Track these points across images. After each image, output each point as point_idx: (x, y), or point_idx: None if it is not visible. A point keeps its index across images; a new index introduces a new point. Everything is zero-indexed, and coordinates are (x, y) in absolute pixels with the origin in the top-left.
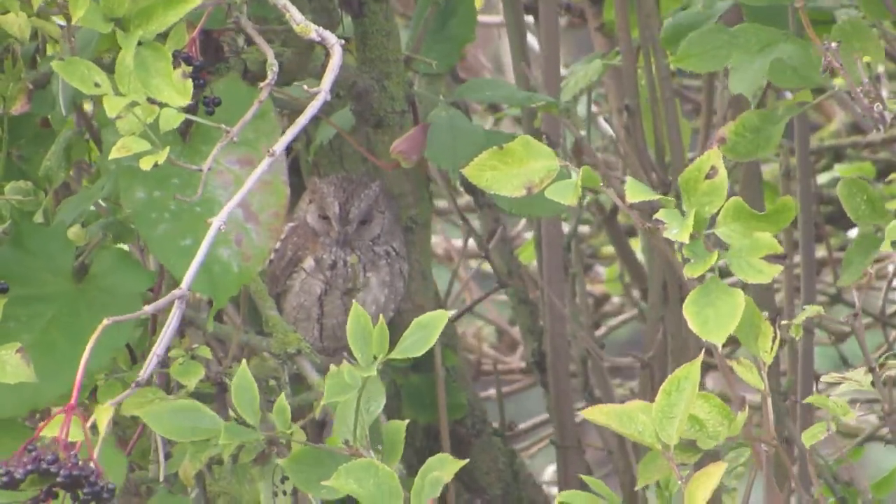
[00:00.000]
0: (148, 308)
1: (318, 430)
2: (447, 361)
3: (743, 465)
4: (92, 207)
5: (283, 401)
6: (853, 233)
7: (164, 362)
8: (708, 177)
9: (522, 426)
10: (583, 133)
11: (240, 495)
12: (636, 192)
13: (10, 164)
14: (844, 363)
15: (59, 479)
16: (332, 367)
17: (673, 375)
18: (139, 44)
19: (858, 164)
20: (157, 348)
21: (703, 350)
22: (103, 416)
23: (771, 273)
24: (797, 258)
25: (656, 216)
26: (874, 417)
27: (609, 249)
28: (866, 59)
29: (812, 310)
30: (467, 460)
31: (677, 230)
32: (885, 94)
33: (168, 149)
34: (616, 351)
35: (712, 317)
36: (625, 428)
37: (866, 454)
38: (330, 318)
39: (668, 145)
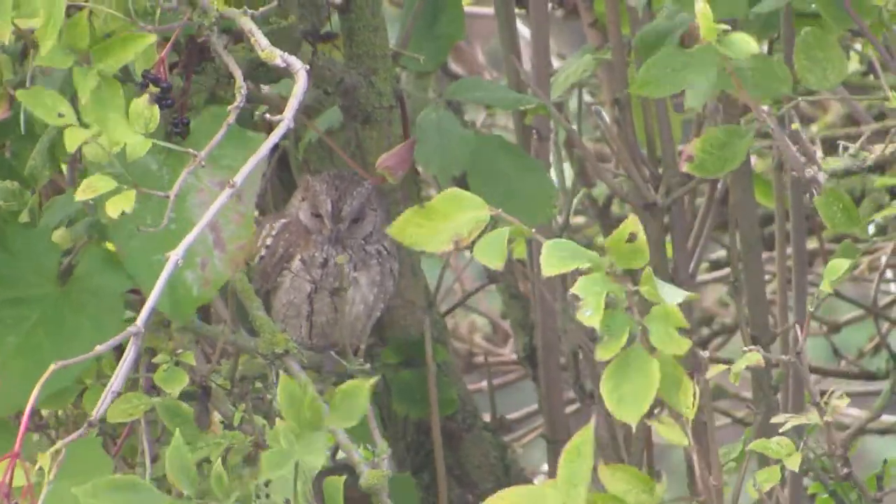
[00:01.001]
0: (100, 347)
1: None
2: (438, 357)
3: (735, 461)
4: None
5: (218, 467)
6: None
7: (150, 367)
8: (629, 240)
9: (513, 416)
10: (573, 126)
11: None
12: (551, 263)
13: (1, 159)
14: (836, 353)
15: None
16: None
17: (570, 444)
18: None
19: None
20: (113, 384)
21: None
22: (50, 462)
23: (683, 346)
24: (789, 250)
25: (574, 290)
26: (860, 411)
27: (602, 241)
28: (794, 126)
29: (750, 357)
30: (375, 378)
31: (591, 312)
32: (819, 155)
33: (133, 193)
34: None
35: (628, 394)
36: None
37: (864, 447)
38: (319, 315)
39: (658, 139)
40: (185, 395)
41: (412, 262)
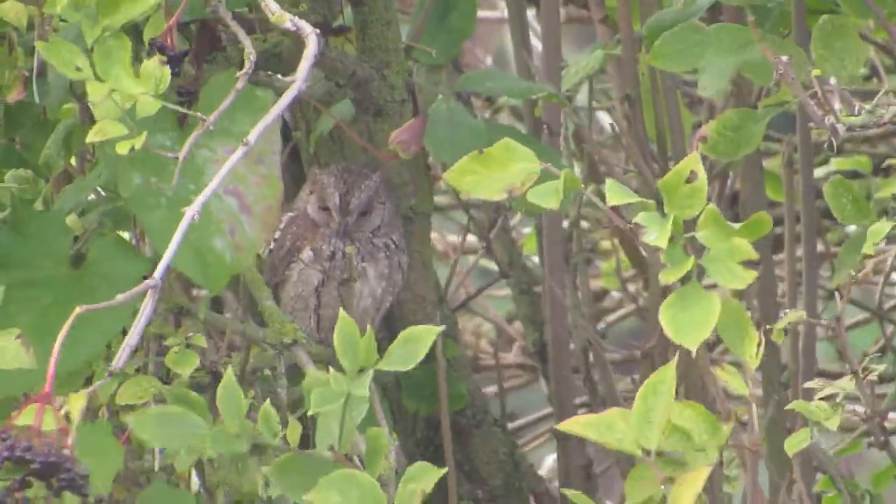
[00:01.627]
0: (120, 297)
1: (314, 422)
2: (448, 352)
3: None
4: (91, 196)
5: (268, 408)
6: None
7: (161, 351)
8: (688, 181)
9: (522, 420)
10: (584, 122)
11: (239, 485)
12: (615, 195)
13: (11, 152)
14: (841, 357)
15: (34, 467)
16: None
17: (649, 380)
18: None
19: (856, 158)
20: (130, 338)
21: (681, 352)
22: (76, 404)
23: (747, 279)
24: (799, 251)
25: (636, 220)
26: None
27: (608, 244)
28: (816, 72)
29: (794, 315)
30: (445, 470)
31: (656, 234)
32: (837, 106)
33: (144, 134)
34: (616, 342)
35: (686, 321)
36: (603, 437)
37: (868, 448)
38: (327, 308)
39: (669, 136)
40: (194, 386)
41: (423, 257)
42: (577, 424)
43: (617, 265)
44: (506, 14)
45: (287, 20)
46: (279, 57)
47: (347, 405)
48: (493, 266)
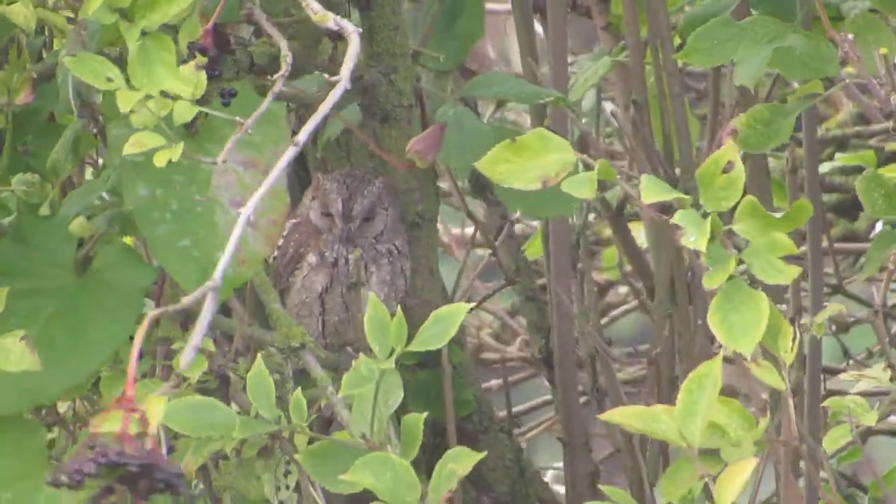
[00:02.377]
0: (186, 300)
1: (325, 426)
2: (454, 358)
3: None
4: (97, 201)
5: (299, 395)
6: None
7: (168, 355)
8: (724, 171)
9: (521, 407)
10: (590, 128)
11: (246, 490)
12: (652, 191)
13: (16, 158)
14: (846, 354)
15: (130, 470)
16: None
17: (695, 373)
18: (143, 34)
19: (861, 154)
20: (194, 339)
21: (719, 346)
22: (155, 407)
23: (791, 274)
24: (803, 248)
25: (674, 220)
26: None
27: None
28: (883, 51)
29: (834, 308)
30: (485, 453)
31: (695, 237)
32: None
33: (182, 144)
34: (624, 344)
35: (738, 324)
36: (648, 427)
37: (875, 448)
38: (332, 314)
39: (676, 141)
40: (202, 390)
41: (429, 262)
42: (623, 415)
43: (619, 259)
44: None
45: (330, 19)
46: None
47: (380, 389)
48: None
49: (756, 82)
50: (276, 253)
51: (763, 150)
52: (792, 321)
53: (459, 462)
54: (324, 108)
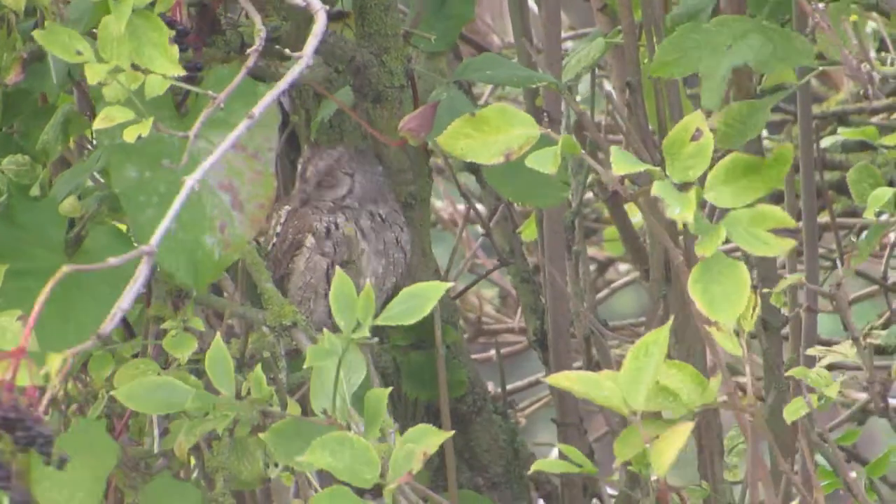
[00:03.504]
0: (112, 260)
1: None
2: (448, 338)
3: (744, 443)
4: (89, 182)
5: (258, 372)
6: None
7: (159, 335)
8: (693, 139)
9: (519, 383)
10: (585, 109)
11: (238, 471)
12: (622, 163)
13: (8, 139)
14: (845, 329)
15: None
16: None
17: (642, 340)
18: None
19: (863, 129)
20: (121, 302)
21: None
22: (55, 362)
23: (780, 246)
24: (799, 224)
25: (653, 192)
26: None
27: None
28: (853, 18)
29: (793, 277)
30: (451, 433)
31: (679, 209)
32: (872, 54)
33: (152, 119)
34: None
35: (719, 294)
36: (591, 393)
37: (873, 431)
38: None
39: (670, 123)
40: (193, 373)
41: (422, 243)
42: (568, 379)
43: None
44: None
45: None
46: (277, 41)
47: (343, 365)
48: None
49: (719, 103)
50: (274, 240)
51: (739, 145)
52: (754, 288)
53: (420, 442)
54: (283, 83)
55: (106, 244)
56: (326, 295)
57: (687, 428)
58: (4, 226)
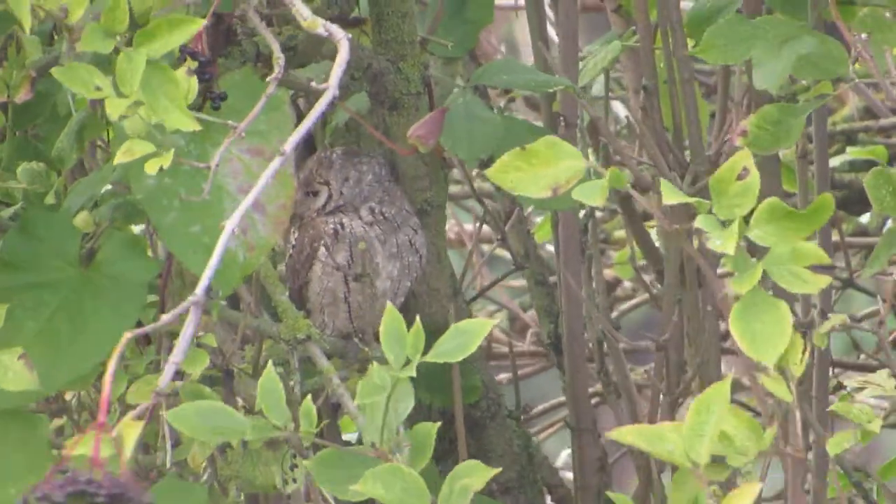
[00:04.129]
0: (165, 317)
1: (333, 410)
2: None
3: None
4: (104, 190)
5: (308, 403)
6: (866, 218)
7: (169, 349)
8: (739, 178)
9: (538, 408)
10: (600, 114)
11: (252, 477)
12: (671, 194)
13: (26, 143)
14: (856, 348)
15: (99, 500)
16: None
17: (703, 394)
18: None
19: (872, 148)
20: (175, 356)
21: (733, 370)
22: (130, 432)
23: (818, 284)
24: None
25: (696, 225)
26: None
27: (621, 234)
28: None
29: (837, 319)
30: (499, 469)
31: (721, 241)
32: None
33: (173, 152)
34: (631, 333)
35: (761, 333)
36: (654, 448)
37: (883, 439)
38: (356, 295)
39: (686, 127)
40: (207, 382)
41: (437, 249)
42: (629, 434)
43: (632, 253)
44: (515, 1)
45: (320, 25)
46: (294, 50)
47: (392, 398)
48: (509, 255)
49: (779, 86)
50: (291, 251)
51: (772, 150)
52: (803, 334)
53: (473, 476)
54: (312, 116)
55: (119, 255)
56: (346, 299)
57: (755, 489)
58: (21, 238)
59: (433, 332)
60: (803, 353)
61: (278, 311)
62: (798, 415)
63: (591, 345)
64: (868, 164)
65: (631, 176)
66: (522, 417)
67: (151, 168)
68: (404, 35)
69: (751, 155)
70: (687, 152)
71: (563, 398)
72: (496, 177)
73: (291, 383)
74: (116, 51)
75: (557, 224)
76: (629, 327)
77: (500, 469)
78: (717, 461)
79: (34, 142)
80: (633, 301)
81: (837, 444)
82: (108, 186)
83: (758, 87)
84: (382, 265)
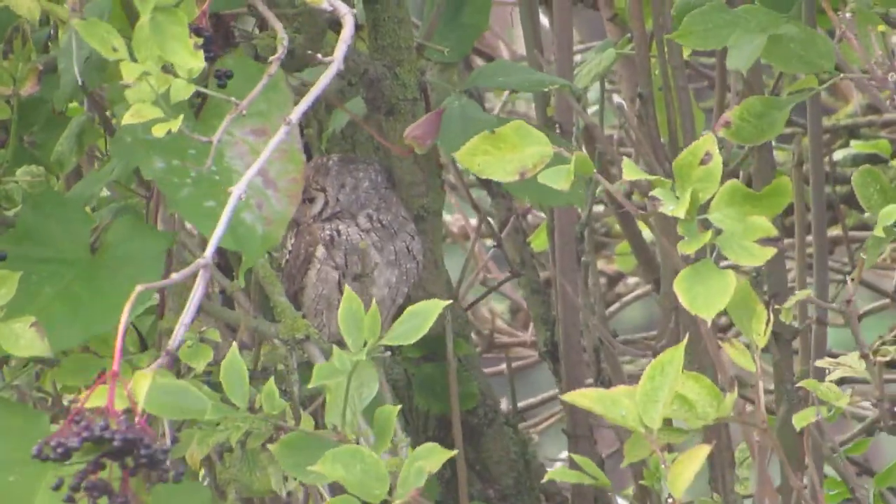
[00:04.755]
0: (175, 276)
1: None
2: (459, 351)
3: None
4: (103, 194)
5: (270, 385)
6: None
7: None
8: (702, 162)
9: (530, 401)
10: (594, 120)
11: (250, 482)
12: (631, 171)
13: (22, 149)
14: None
15: (114, 445)
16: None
17: (657, 359)
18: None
19: (875, 142)
20: (185, 317)
21: (723, 338)
22: (143, 383)
23: (763, 256)
24: (809, 238)
25: (651, 193)
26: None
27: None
28: (880, 28)
29: (802, 294)
30: (455, 451)
31: (673, 206)
32: None
33: (182, 116)
34: (631, 333)
35: (702, 293)
36: (608, 412)
37: (882, 443)
38: None
39: (681, 134)
40: (207, 383)
41: (434, 255)
42: (584, 397)
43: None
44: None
45: (324, 1)
46: (292, 54)
47: (353, 381)
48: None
49: (748, 67)
50: (287, 256)
51: (756, 142)
52: (767, 304)
53: (429, 459)
54: (317, 89)
55: (127, 235)
56: (339, 305)
57: (704, 451)
58: (35, 215)
59: (430, 338)
60: (766, 324)
61: (276, 311)
62: (760, 383)
63: (587, 352)
64: (871, 159)
65: (627, 183)
66: (519, 424)
67: (159, 131)
68: (401, 41)
69: (715, 140)
70: None
71: (556, 390)
72: (465, 160)
73: (293, 388)
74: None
75: (553, 231)
76: (629, 327)
77: (456, 452)
78: (676, 426)
79: (30, 149)
80: (636, 292)
81: (803, 418)
82: (106, 193)
83: (730, 66)
84: (380, 272)
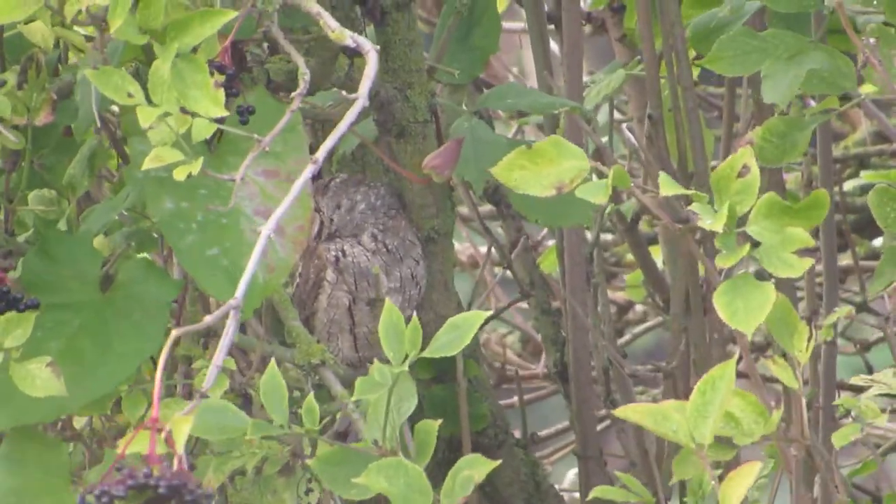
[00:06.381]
0: (208, 318)
1: (341, 440)
2: (469, 372)
3: (765, 477)
4: (116, 217)
5: (311, 401)
6: (879, 241)
7: (189, 373)
8: (740, 175)
9: (544, 432)
10: (604, 140)
11: None
12: (668, 186)
13: (32, 173)
14: (870, 373)
15: (160, 492)
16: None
17: (708, 374)
18: (175, 55)
19: (887, 172)
20: (217, 359)
21: (736, 352)
22: (181, 428)
23: (802, 267)
24: (819, 267)
25: (689, 208)
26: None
27: (633, 257)
28: None
29: (844, 310)
30: (499, 461)
31: (711, 220)
32: None
33: (202, 159)
34: (639, 360)
35: (741, 308)
36: (659, 427)
37: (886, 464)
38: (361, 327)
39: (691, 155)
40: None
41: (444, 277)
42: (634, 412)
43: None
44: (527, 27)
45: (347, 37)
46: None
47: (393, 395)
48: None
49: (787, 102)
50: (298, 280)
51: (778, 163)
52: (808, 321)
53: (474, 468)
54: (343, 126)
55: (140, 276)
56: (351, 330)
57: (756, 467)
58: (40, 259)
59: (440, 360)
60: (808, 341)
61: (291, 336)
62: (803, 402)
63: (597, 372)
64: None
65: (637, 204)
66: (530, 445)
67: (180, 175)
68: (411, 63)
69: (752, 153)
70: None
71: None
72: (501, 175)
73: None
74: (149, 46)
75: (563, 253)
76: (638, 353)
77: (498, 463)
78: (722, 441)
79: (41, 172)
80: (646, 325)
81: (843, 436)
82: (118, 217)
83: (766, 100)
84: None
